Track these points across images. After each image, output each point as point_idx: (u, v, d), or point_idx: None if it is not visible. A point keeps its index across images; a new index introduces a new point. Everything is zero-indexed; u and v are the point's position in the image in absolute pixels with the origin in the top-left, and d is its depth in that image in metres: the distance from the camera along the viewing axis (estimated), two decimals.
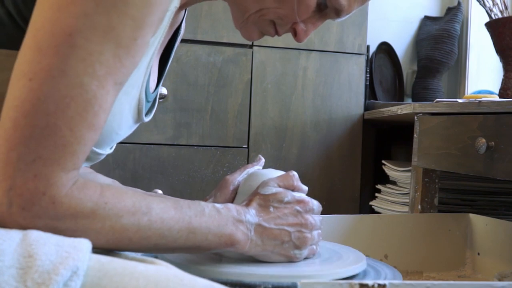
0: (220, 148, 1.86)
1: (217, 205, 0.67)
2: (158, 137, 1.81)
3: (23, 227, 0.53)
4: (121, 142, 1.54)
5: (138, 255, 0.61)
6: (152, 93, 0.82)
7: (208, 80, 1.84)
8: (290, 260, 0.71)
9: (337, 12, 0.77)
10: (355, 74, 1.97)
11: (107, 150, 0.79)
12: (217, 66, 1.84)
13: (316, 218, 0.74)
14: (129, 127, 0.77)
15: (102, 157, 0.77)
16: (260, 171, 0.80)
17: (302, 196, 0.74)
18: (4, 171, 0.54)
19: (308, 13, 0.76)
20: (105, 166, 1.75)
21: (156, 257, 0.71)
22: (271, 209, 0.71)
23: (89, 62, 0.55)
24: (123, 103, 0.70)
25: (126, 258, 0.53)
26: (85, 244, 0.51)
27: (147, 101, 0.80)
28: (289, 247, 0.71)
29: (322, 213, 0.78)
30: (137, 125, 0.81)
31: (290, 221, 0.71)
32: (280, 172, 0.78)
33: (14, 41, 0.61)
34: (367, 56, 2.12)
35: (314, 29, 0.79)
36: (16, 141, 0.54)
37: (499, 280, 0.69)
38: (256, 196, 0.72)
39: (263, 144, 1.88)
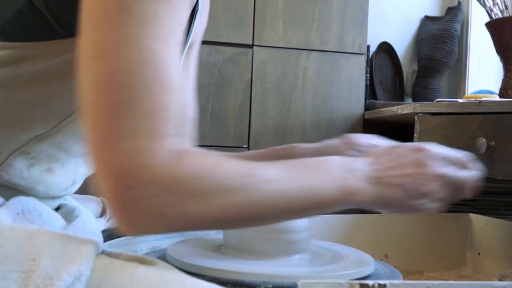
0: (220, 148, 1.85)
1: (321, 158, 0.61)
2: None
3: (135, 211, 0.49)
4: None
5: (139, 255, 0.61)
6: None
7: (208, 80, 1.84)
8: (413, 212, 0.62)
9: None
10: (355, 74, 1.97)
11: None
12: (217, 65, 1.84)
13: (446, 168, 0.63)
14: None
15: None
16: None
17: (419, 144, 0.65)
18: (98, 156, 0.50)
19: None
20: None
21: (162, 257, 0.71)
22: (386, 157, 0.63)
23: (147, 24, 0.52)
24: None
25: (127, 258, 0.53)
26: (91, 249, 0.50)
27: None
28: (412, 197, 0.61)
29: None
30: None
31: (412, 170, 0.62)
32: None
33: (35, 31, 0.60)
34: (367, 56, 2.12)
35: None
36: (104, 123, 0.51)
37: (500, 280, 0.69)
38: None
39: (263, 144, 1.88)
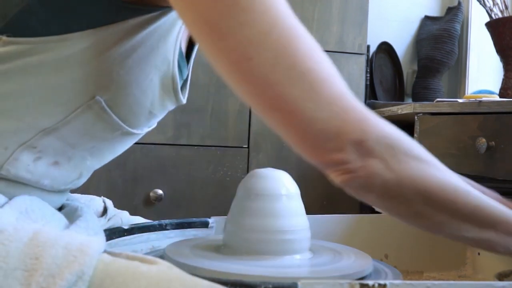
0: (220, 148, 1.85)
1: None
2: (158, 137, 1.80)
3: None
4: None
5: (140, 255, 0.61)
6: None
7: (208, 80, 1.84)
8: None
9: None
10: (355, 74, 1.97)
11: (144, 130, 0.76)
12: None
13: None
14: (163, 107, 0.75)
15: (139, 136, 0.75)
16: (258, 171, 0.80)
17: None
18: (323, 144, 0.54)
19: None
20: (105, 166, 1.74)
21: (162, 257, 0.71)
22: None
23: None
24: (153, 79, 0.68)
25: (128, 258, 0.53)
26: (94, 248, 0.50)
27: (181, 78, 0.77)
28: None
29: (322, 212, 0.78)
30: (173, 106, 0.78)
31: None
32: (279, 172, 0.77)
33: (47, 26, 0.60)
34: (367, 56, 2.12)
35: None
36: (311, 110, 0.53)
37: (499, 280, 0.69)
38: None
39: (263, 144, 1.88)
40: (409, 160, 0.57)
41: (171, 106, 0.78)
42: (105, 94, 0.64)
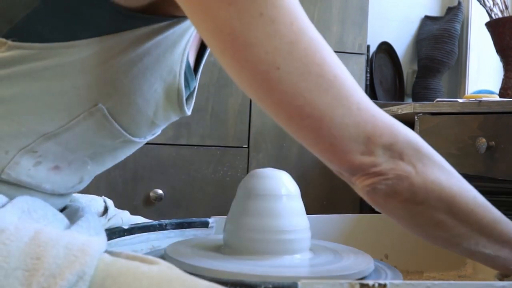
0: (221, 148, 1.86)
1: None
2: (158, 137, 1.79)
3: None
4: None
5: (140, 255, 0.61)
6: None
7: (208, 80, 1.84)
8: None
9: None
10: (355, 74, 1.97)
11: (147, 138, 0.76)
12: (218, 65, 1.84)
13: None
14: (167, 118, 0.75)
15: (141, 144, 0.75)
16: (258, 171, 0.80)
17: None
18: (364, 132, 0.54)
19: None
20: None
21: (162, 257, 0.71)
22: None
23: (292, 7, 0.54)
24: (157, 89, 0.68)
25: (128, 258, 0.53)
26: (95, 248, 0.50)
27: (188, 90, 0.77)
28: None
29: (322, 212, 0.78)
30: (177, 117, 0.78)
31: None
32: (279, 172, 0.77)
33: (52, 32, 0.59)
34: (367, 55, 2.12)
35: None
36: (334, 110, 0.54)
37: (500, 280, 0.69)
38: None
39: (263, 143, 1.88)
40: (434, 167, 0.58)
41: (175, 117, 0.77)
42: (108, 102, 0.63)
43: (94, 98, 0.63)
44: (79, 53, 0.60)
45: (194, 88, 0.82)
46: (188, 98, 0.79)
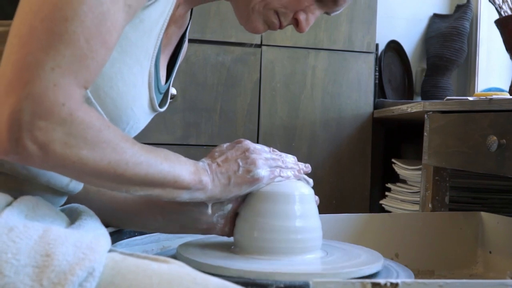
0: None
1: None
2: (167, 137, 1.81)
3: (37, 138, 0.53)
4: None
5: (150, 255, 0.61)
6: (164, 85, 0.83)
7: (217, 80, 1.84)
8: (253, 184, 0.73)
9: (335, 2, 0.81)
10: (364, 72, 1.96)
11: (125, 131, 0.78)
12: (226, 65, 1.84)
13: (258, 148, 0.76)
14: (144, 112, 0.77)
15: None
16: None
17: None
18: (19, 76, 0.53)
19: (310, 1, 0.79)
20: None
21: (173, 257, 0.71)
22: (215, 154, 0.76)
23: None
24: (136, 73, 0.70)
25: (139, 257, 0.54)
26: (103, 246, 0.51)
27: (159, 92, 0.80)
28: (243, 173, 0.73)
29: (332, 212, 0.78)
30: (152, 115, 0.81)
31: (233, 154, 0.74)
32: (299, 183, 0.77)
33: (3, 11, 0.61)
34: (376, 54, 2.12)
35: (314, 19, 0.82)
36: (33, 46, 0.53)
37: None
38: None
39: (272, 143, 1.88)
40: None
41: (149, 111, 0.79)
42: (92, 86, 0.64)
43: None
44: None
45: (167, 90, 0.85)
46: (163, 99, 0.84)
